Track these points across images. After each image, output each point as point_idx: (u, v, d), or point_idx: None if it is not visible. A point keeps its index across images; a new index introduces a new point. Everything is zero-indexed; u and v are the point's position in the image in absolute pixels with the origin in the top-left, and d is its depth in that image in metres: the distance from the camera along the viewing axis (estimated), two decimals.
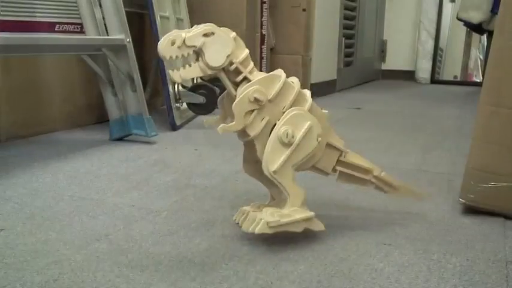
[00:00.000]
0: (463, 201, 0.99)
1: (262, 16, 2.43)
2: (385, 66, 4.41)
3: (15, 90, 1.59)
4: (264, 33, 2.45)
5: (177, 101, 1.84)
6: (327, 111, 0.86)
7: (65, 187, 1.11)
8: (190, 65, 0.78)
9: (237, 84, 0.81)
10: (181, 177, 1.21)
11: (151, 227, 0.89)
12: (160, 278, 0.70)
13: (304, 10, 2.61)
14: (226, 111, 0.84)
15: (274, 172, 0.79)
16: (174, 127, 1.80)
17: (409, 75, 4.26)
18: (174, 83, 1.83)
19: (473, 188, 0.97)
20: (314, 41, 2.73)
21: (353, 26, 3.50)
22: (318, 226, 0.84)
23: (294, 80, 0.84)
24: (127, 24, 1.54)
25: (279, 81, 0.80)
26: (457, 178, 1.23)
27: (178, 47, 0.76)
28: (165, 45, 0.76)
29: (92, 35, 1.57)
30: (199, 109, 1.86)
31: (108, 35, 1.55)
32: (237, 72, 0.80)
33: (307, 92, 0.85)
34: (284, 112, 0.80)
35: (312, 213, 0.82)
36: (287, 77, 0.82)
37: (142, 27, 2.25)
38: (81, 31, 1.72)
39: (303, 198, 0.82)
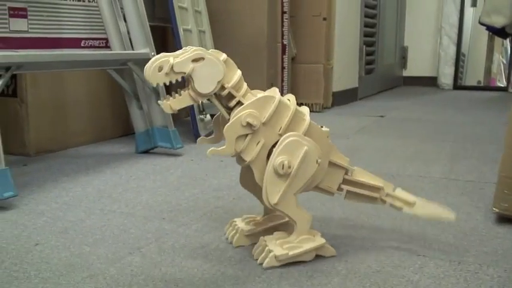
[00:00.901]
0: (497, 210, 0.98)
1: (283, 26, 2.44)
2: (406, 73, 4.38)
3: (43, 105, 1.62)
4: (285, 43, 2.45)
5: (201, 112, 1.85)
6: (327, 129, 0.82)
7: (95, 200, 1.13)
8: (180, 94, 0.75)
9: (230, 109, 0.78)
10: (209, 189, 1.21)
11: (183, 240, 0.89)
12: None
13: (324, 19, 2.61)
14: (220, 131, 0.81)
15: (276, 204, 0.77)
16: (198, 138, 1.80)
17: (431, 82, 4.22)
18: None
19: (507, 197, 0.95)
20: (335, 50, 2.73)
21: (374, 33, 3.48)
22: (330, 252, 0.82)
23: (291, 99, 0.81)
24: (151, 38, 1.56)
25: (273, 102, 0.77)
26: (488, 186, 1.22)
27: (166, 74, 0.73)
28: (152, 72, 0.73)
29: (117, 49, 1.59)
30: None
31: (133, 49, 1.57)
32: (230, 96, 0.77)
33: (306, 110, 0.81)
34: (280, 134, 0.77)
35: (322, 241, 0.80)
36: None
37: (165, 40, 2.27)
38: (106, 46, 1.75)
39: (309, 223, 0.80)
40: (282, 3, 2.41)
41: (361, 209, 1.06)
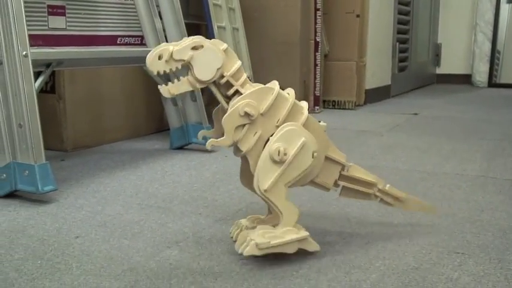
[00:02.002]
0: None
1: (316, 23, 2.43)
2: (439, 71, 4.31)
3: (80, 101, 1.65)
4: (317, 40, 2.44)
5: None
6: (325, 124, 0.82)
7: (132, 195, 1.14)
8: (179, 80, 0.76)
9: (229, 98, 0.78)
10: None
11: (220, 235, 0.90)
12: (233, 286, 0.71)
13: (358, 16, 2.59)
14: (220, 123, 0.80)
15: (265, 191, 0.76)
16: None
17: (465, 79, 4.15)
18: None
19: None
20: (368, 47, 2.70)
21: (407, 30, 3.44)
22: (313, 246, 0.80)
23: (290, 92, 0.80)
24: (187, 35, 1.57)
25: (272, 93, 0.77)
26: None
27: (166, 61, 0.74)
28: (152, 60, 0.74)
29: (152, 46, 1.60)
30: None
31: None
32: (229, 85, 0.77)
33: (304, 104, 0.81)
34: (278, 126, 0.77)
35: (306, 234, 0.79)
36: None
37: None
38: (142, 43, 1.77)
39: (296, 217, 0.79)
40: (315, 0, 2.40)
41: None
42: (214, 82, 0.78)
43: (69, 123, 1.61)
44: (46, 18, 1.50)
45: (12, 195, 1.11)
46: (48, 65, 1.20)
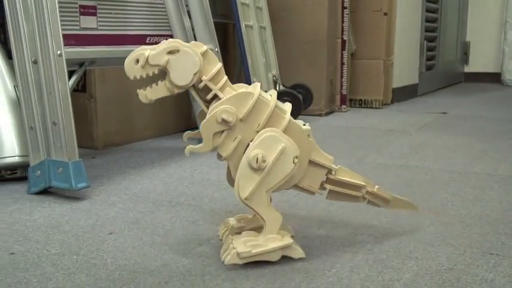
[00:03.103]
0: None
1: (343, 22, 2.41)
2: (468, 69, 4.25)
3: (110, 100, 1.67)
4: (344, 38, 2.43)
5: None
6: (309, 127, 0.79)
7: (162, 193, 1.16)
8: (157, 85, 0.75)
9: (209, 102, 0.77)
10: None
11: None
12: (265, 284, 0.72)
13: (385, 14, 2.57)
14: None
15: (246, 199, 0.74)
16: None
17: (494, 78, 4.08)
18: None
19: None
20: (395, 45, 2.68)
21: (435, 28, 3.40)
22: (297, 253, 0.78)
23: (272, 94, 0.78)
24: (215, 34, 1.58)
25: (251, 98, 0.74)
26: None
27: (142, 66, 0.73)
28: (129, 64, 0.74)
29: None
30: None
31: None
32: (207, 89, 0.75)
33: (287, 107, 0.79)
34: (258, 131, 0.75)
35: (289, 241, 0.77)
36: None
37: (225, 36, 2.30)
38: None
39: (279, 223, 0.77)
40: None
41: (429, 205, 1.05)
42: (193, 86, 0.76)
43: (100, 121, 1.64)
44: (78, 18, 1.52)
45: (46, 191, 1.13)
46: (81, 64, 1.22)
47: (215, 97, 0.76)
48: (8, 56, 1.26)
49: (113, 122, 1.69)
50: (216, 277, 0.74)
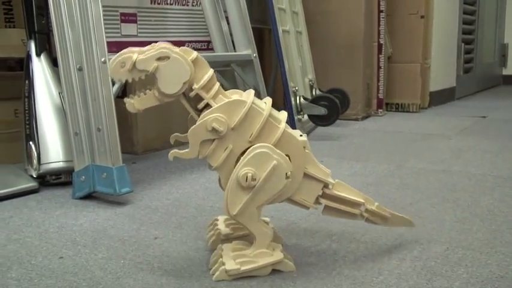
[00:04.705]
0: None
1: (379, 25, 2.39)
2: (506, 72, 4.16)
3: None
4: (381, 42, 2.41)
5: (298, 112, 1.86)
6: (305, 138, 0.75)
7: (204, 198, 1.16)
8: (145, 93, 0.72)
9: (200, 111, 0.73)
10: None
11: (294, 239, 0.90)
12: None
13: (422, 17, 2.54)
14: None
15: (235, 216, 0.73)
16: None
17: None
18: (296, 95, 1.85)
19: None
20: (432, 48, 2.64)
21: (472, 30, 3.34)
22: (288, 267, 0.76)
23: (267, 102, 0.75)
24: (253, 39, 1.59)
25: (244, 107, 0.71)
26: None
27: (129, 71, 0.70)
28: (114, 67, 0.70)
29: (219, 51, 1.63)
30: (321, 121, 1.87)
31: (235, 51, 1.61)
32: (199, 98, 0.72)
33: (283, 116, 0.75)
34: (251, 142, 0.72)
35: (280, 256, 0.75)
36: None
37: (261, 41, 2.30)
38: (208, 48, 1.80)
39: (269, 239, 0.75)
40: (379, 2, 2.37)
41: (475, 211, 1.03)
42: (184, 94, 0.73)
43: (140, 127, 1.66)
44: (119, 26, 1.55)
45: (90, 196, 1.15)
46: None
47: (207, 106, 0.73)
48: (53, 63, 1.29)
49: (152, 128, 1.71)
50: (262, 283, 0.73)
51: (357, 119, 2.32)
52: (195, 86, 0.71)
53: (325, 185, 0.78)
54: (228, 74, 1.64)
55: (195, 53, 0.72)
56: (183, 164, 1.50)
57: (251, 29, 1.59)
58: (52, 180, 1.25)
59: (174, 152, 0.74)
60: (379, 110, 2.47)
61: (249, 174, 0.71)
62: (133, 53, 0.70)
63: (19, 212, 1.07)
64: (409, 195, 1.16)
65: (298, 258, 0.82)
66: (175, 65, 0.70)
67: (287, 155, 0.73)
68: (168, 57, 0.70)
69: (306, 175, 0.76)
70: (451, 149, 1.67)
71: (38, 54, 1.29)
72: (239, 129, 0.72)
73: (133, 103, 0.73)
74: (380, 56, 2.42)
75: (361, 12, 2.26)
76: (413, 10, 2.54)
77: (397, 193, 1.18)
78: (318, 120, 1.89)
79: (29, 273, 0.77)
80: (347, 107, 2.10)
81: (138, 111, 0.74)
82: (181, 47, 0.72)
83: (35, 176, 1.24)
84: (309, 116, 1.90)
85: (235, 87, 1.64)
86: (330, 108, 1.84)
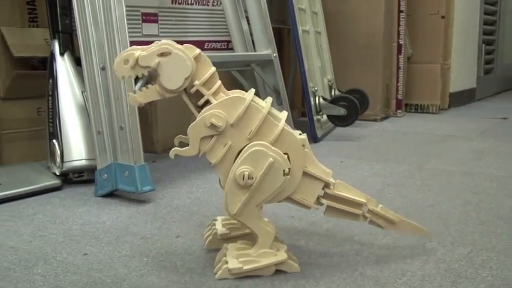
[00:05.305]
0: None
1: (399, 25, 2.38)
2: None
3: (169, 105, 1.70)
4: (401, 42, 2.39)
5: (317, 113, 1.86)
6: (304, 137, 0.75)
7: None
8: (147, 88, 0.73)
9: (201, 107, 0.74)
10: None
11: (316, 239, 0.90)
12: None
13: (443, 17, 2.52)
14: None
15: (235, 215, 0.73)
16: (315, 139, 1.82)
17: None
18: (315, 96, 1.85)
19: None
20: (453, 49, 2.62)
21: (493, 31, 3.31)
22: (292, 268, 0.76)
23: (268, 101, 0.75)
24: (274, 39, 1.59)
25: (243, 103, 0.72)
26: None
27: (132, 67, 0.71)
28: (118, 64, 0.72)
29: (239, 51, 1.63)
30: (340, 121, 1.87)
31: (255, 51, 1.61)
32: (200, 94, 0.73)
33: (282, 115, 0.76)
34: (250, 138, 0.72)
35: (284, 257, 0.75)
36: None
37: (280, 41, 2.30)
38: (227, 48, 1.81)
39: (271, 238, 0.75)
40: (399, 2, 2.36)
41: (498, 214, 1.02)
42: (185, 91, 0.74)
43: (160, 126, 1.67)
44: (140, 25, 1.56)
45: (112, 194, 1.16)
46: None
47: (207, 102, 0.74)
48: (76, 63, 1.30)
49: (172, 126, 1.72)
50: (285, 282, 0.74)
51: (375, 120, 2.31)
52: (196, 82, 0.72)
53: (326, 185, 0.77)
54: (248, 74, 1.65)
55: (197, 50, 0.73)
56: (203, 163, 1.51)
57: (271, 28, 1.59)
58: (74, 178, 1.27)
59: (175, 149, 0.75)
60: (398, 111, 2.46)
61: (246, 173, 0.71)
62: (136, 51, 0.72)
63: (43, 209, 1.08)
64: (430, 197, 1.15)
65: (321, 258, 0.82)
66: (176, 60, 0.71)
67: (286, 154, 0.74)
68: (170, 53, 0.71)
69: (306, 174, 0.76)
70: (473, 150, 1.65)
71: (62, 54, 1.31)
72: (238, 126, 0.73)
73: (135, 96, 0.74)
74: (400, 56, 2.40)
75: (381, 12, 2.25)
76: (434, 10, 2.52)
77: (418, 194, 1.17)
78: (337, 121, 1.88)
79: (54, 269, 0.78)
80: (366, 107, 2.09)
81: (140, 104, 0.75)
82: (185, 44, 0.73)
83: (57, 174, 1.25)
84: (328, 116, 1.90)
85: (255, 87, 1.64)
86: (349, 108, 1.84)
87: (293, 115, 2.31)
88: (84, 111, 1.27)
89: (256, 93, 1.66)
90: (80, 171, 1.26)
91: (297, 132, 0.76)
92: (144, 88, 0.74)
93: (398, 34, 2.38)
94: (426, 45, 2.55)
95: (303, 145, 0.75)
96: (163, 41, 0.73)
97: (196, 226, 0.97)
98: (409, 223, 0.82)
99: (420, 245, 0.87)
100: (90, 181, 1.25)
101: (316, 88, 1.87)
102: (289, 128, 0.75)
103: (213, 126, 0.72)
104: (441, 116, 2.50)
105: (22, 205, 1.11)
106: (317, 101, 1.86)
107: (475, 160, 1.52)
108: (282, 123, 0.74)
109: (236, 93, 0.75)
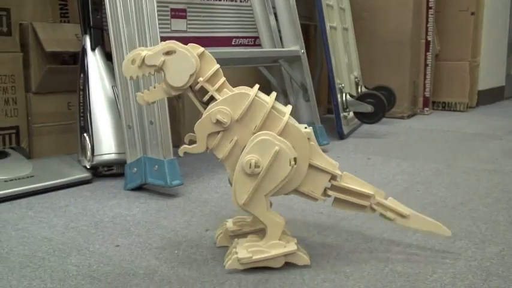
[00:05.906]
0: None
1: (427, 22, 2.36)
2: None
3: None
4: (429, 39, 2.37)
5: (344, 109, 1.86)
6: (309, 130, 0.76)
7: None
8: (154, 87, 0.75)
9: (206, 104, 0.76)
10: None
11: (345, 235, 0.90)
12: (366, 285, 0.71)
13: (472, 14, 2.48)
14: None
15: (244, 205, 0.73)
16: (341, 136, 1.81)
17: None
18: (342, 92, 1.85)
19: None
20: (482, 46, 2.58)
21: None
22: (302, 260, 0.76)
23: (272, 96, 0.76)
24: (302, 36, 1.59)
25: (247, 99, 0.74)
26: None
27: (139, 67, 0.73)
28: (125, 64, 0.74)
29: (267, 47, 1.64)
30: (367, 118, 1.86)
31: (282, 47, 1.61)
32: (204, 91, 0.75)
33: (287, 109, 0.77)
34: (255, 133, 0.73)
35: (293, 248, 0.75)
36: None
37: (307, 38, 2.29)
38: (255, 44, 1.81)
39: (280, 229, 0.75)
40: None
41: None
42: (190, 88, 0.76)
43: (187, 121, 1.68)
44: (169, 21, 1.57)
45: (141, 188, 1.18)
46: None
47: (212, 99, 0.75)
48: (107, 58, 1.32)
49: (196, 122, 1.73)
50: (315, 277, 0.74)
51: (402, 117, 2.29)
52: (201, 79, 0.74)
53: (333, 177, 0.78)
54: (276, 70, 1.65)
55: (201, 49, 0.75)
56: None
57: (299, 25, 1.59)
58: (104, 171, 1.29)
59: (183, 147, 0.76)
60: (425, 109, 2.43)
61: (253, 161, 0.72)
62: (142, 51, 0.74)
63: (74, 201, 1.10)
64: (459, 195, 1.14)
65: (350, 254, 0.82)
66: (181, 58, 0.73)
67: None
68: (175, 52, 0.73)
69: (312, 167, 0.76)
70: (502, 149, 1.63)
71: (93, 49, 1.33)
72: (243, 121, 0.74)
73: (142, 96, 0.76)
74: (427, 53, 2.38)
75: (409, 9, 2.23)
76: (463, 7, 2.49)
77: (447, 192, 1.16)
78: (363, 118, 1.87)
79: (87, 259, 0.80)
80: (393, 104, 2.08)
81: (147, 103, 0.77)
82: (189, 43, 0.75)
83: (88, 167, 1.27)
84: (355, 113, 1.89)
85: (282, 83, 1.65)
86: (376, 105, 1.83)
87: (319, 112, 2.31)
88: (115, 106, 1.29)
89: (284, 90, 1.66)
90: (109, 164, 1.28)
91: (302, 126, 0.77)
92: (151, 87, 0.76)
93: (427, 31, 2.36)
94: (454, 42, 2.52)
95: (309, 138, 0.76)
96: (168, 41, 0.75)
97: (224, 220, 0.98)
98: (423, 218, 0.80)
99: (450, 242, 0.86)
100: (119, 175, 1.27)
101: (343, 85, 1.87)
102: (294, 122, 0.76)
103: (218, 122, 0.73)
104: (469, 114, 2.47)
105: (54, 197, 1.13)
106: (344, 98, 1.86)
107: (505, 158, 1.50)
108: (286, 117, 0.75)
109: (241, 89, 0.76)
